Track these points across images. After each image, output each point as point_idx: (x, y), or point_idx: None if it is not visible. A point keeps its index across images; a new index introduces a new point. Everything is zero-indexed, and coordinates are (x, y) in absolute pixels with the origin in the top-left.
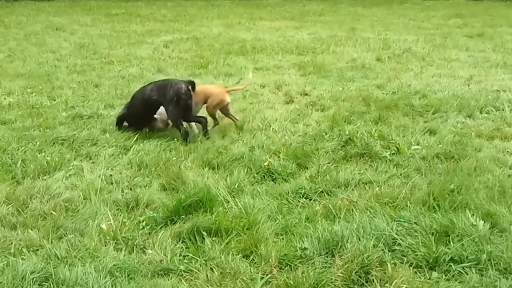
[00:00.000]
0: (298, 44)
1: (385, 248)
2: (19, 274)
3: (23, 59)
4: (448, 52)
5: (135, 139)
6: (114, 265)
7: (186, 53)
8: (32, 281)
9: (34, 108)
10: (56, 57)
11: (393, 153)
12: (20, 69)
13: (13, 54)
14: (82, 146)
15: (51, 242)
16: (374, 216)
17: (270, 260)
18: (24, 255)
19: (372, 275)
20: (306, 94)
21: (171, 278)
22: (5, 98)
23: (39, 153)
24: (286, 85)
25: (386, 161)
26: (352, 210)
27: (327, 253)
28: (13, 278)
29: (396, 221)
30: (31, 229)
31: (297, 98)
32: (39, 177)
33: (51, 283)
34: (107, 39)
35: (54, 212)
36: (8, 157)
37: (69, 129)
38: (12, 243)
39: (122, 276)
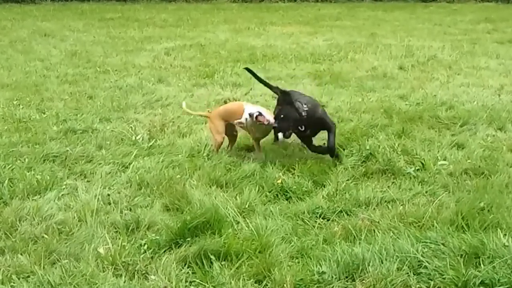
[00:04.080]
0: (313, 51)
1: (410, 271)
2: None
3: (8, 68)
4: (477, 59)
5: (134, 155)
6: None
7: (190, 61)
8: None
9: (21, 122)
10: (45, 66)
11: (417, 169)
12: (5, 79)
13: None
14: (76, 163)
15: (44, 268)
16: (397, 237)
17: (284, 285)
18: (14, 282)
19: None
20: (322, 106)
21: None
22: None
23: (28, 171)
24: None
25: (411, 178)
26: (374, 231)
27: (347, 277)
28: None
29: (422, 242)
30: (21, 254)
31: None
32: (28, 198)
33: None
34: (101, 46)
35: (46, 236)
36: None
37: (61, 144)
38: (0, 269)
39: None
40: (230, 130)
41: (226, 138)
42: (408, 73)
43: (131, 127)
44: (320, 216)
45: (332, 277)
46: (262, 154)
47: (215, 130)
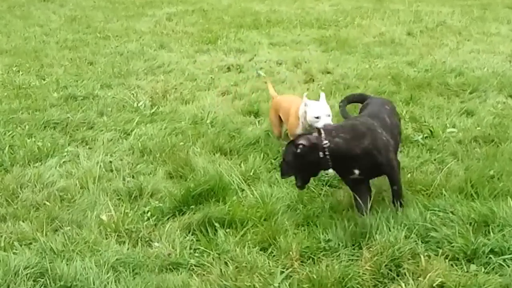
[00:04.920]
0: (318, 17)
1: (418, 239)
2: (11, 270)
3: (7, 34)
4: (488, 25)
5: (136, 122)
6: (117, 259)
7: (192, 26)
8: (26, 277)
9: (21, 89)
10: (45, 32)
11: (426, 137)
12: (4, 45)
13: None
14: (77, 130)
15: (46, 235)
16: (405, 205)
17: (290, 253)
18: (16, 249)
19: (403, 268)
20: (328, 73)
21: (181, 273)
22: None
23: (28, 138)
24: (305, 62)
25: (419, 146)
26: (383, 198)
27: (353, 245)
28: (5, 274)
29: (430, 210)
30: (23, 221)
31: (318, 77)
32: (29, 164)
33: (47, 279)
34: (101, 11)
35: (47, 202)
36: None
37: (61, 111)
38: (2, 236)
39: (126, 271)
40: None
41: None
42: (416, 39)
43: (132, 93)
44: (326, 184)
45: (339, 244)
46: None
47: (272, 122)
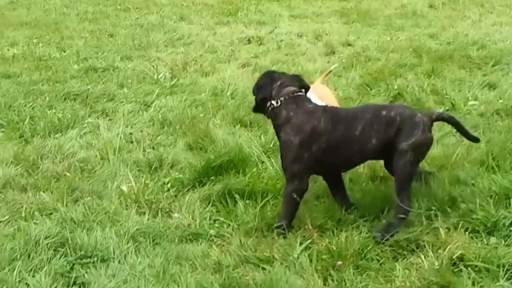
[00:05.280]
0: None
1: (438, 211)
2: (32, 239)
3: (27, 6)
4: None
5: (156, 94)
6: (137, 229)
7: None
8: (47, 246)
9: (41, 60)
10: (65, 4)
11: (447, 109)
12: (24, 17)
13: (16, 1)
14: (97, 101)
15: (66, 205)
16: (426, 177)
17: (310, 224)
18: (37, 219)
19: (423, 241)
20: (349, 45)
21: (200, 244)
22: (8, 49)
23: (49, 110)
24: (326, 34)
25: None
26: None
27: (373, 216)
28: (26, 243)
29: (451, 182)
30: (43, 192)
31: (339, 49)
32: (50, 136)
33: (67, 248)
34: None
35: (68, 173)
36: (15, 114)
37: (82, 83)
38: (22, 206)
39: (146, 241)
40: None
41: None
42: (438, 11)
43: (153, 65)
44: None
45: (358, 216)
46: None
47: None
